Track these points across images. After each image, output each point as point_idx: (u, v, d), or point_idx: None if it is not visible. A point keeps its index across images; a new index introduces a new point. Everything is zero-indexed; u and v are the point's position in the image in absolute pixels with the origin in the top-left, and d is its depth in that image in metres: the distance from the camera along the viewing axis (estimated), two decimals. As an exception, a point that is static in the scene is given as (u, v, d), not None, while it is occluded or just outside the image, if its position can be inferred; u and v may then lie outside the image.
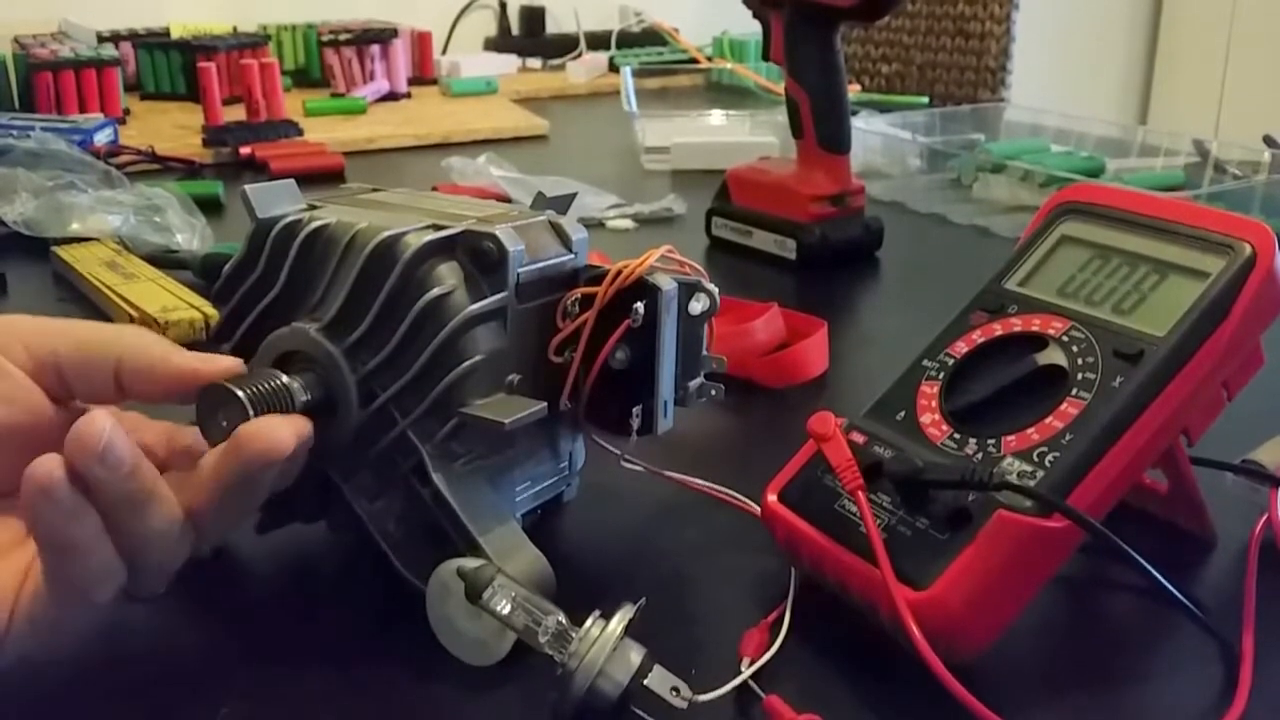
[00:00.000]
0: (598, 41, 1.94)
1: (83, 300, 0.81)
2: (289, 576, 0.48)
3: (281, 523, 0.48)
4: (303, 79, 1.65)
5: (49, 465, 0.34)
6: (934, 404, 0.45)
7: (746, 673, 0.41)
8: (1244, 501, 0.51)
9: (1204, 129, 2.64)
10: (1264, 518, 0.49)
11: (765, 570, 0.48)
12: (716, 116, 1.36)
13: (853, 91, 1.37)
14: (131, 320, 0.73)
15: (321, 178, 1.15)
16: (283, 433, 0.39)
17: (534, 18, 2.05)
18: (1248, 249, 0.43)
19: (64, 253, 0.85)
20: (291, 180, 0.47)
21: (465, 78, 1.66)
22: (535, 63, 1.95)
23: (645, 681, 0.38)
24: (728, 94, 1.65)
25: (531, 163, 1.17)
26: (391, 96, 1.57)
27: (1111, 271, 0.46)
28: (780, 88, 0.99)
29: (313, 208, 0.46)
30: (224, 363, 0.42)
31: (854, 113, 0.96)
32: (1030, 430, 0.42)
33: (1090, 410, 0.42)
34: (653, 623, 0.40)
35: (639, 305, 0.45)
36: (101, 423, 0.35)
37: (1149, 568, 0.41)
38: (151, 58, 1.53)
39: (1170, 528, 0.51)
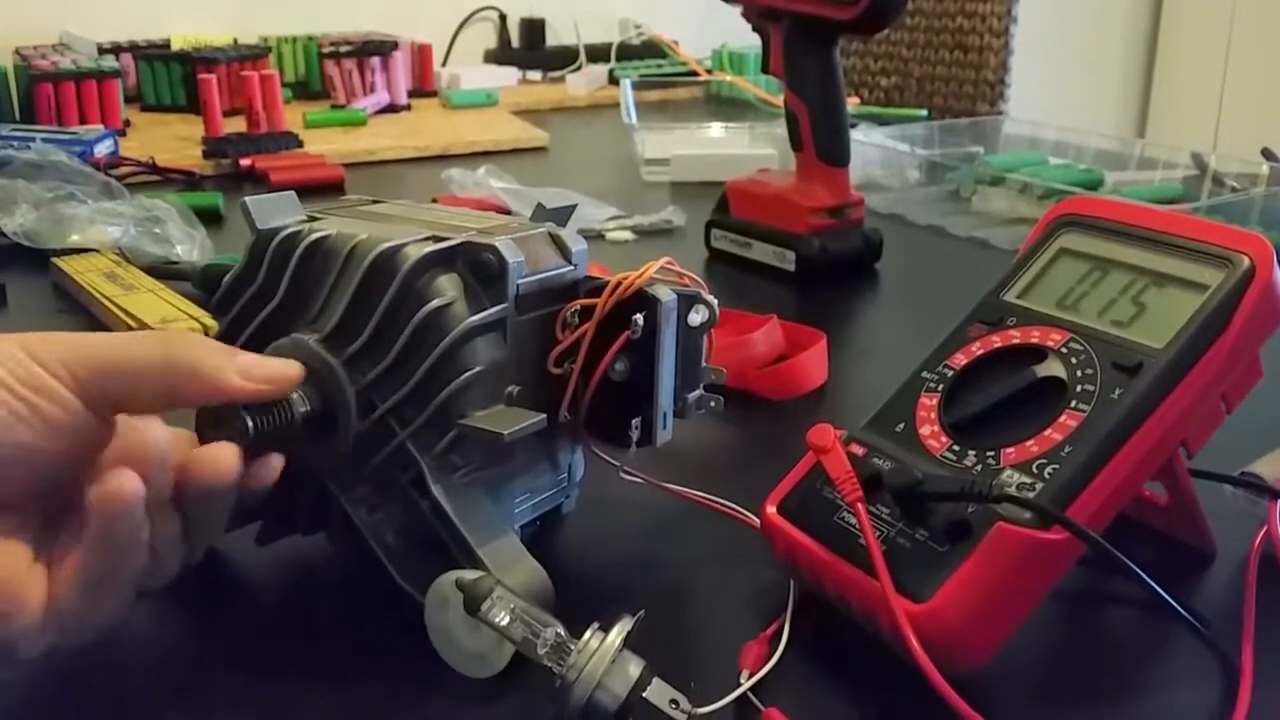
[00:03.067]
0: (598, 54, 1.94)
1: (82, 311, 0.81)
2: (288, 588, 0.48)
3: (281, 535, 0.48)
4: (303, 91, 1.65)
5: (133, 484, 0.36)
6: (933, 416, 0.45)
7: (746, 685, 0.40)
8: (1243, 514, 0.51)
9: (1202, 142, 2.64)
10: (1263, 530, 0.48)
11: (764, 582, 0.48)
12: (716, 129, 1.37)
13: (851, 104, 1.37)
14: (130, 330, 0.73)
15: (321, 189, 1.15)
16: (225, 463, 0.39)
17: (534, 30, 2.06)
18: (1246, 261, 0.43)
19: (64, 264, 0.85)
20: (291, 192, 0.47)
21: (465, 90, 1.66)
22: (535, 75, 1.95)
23: (644, 694, 0.38)
24: (727, 106, 1.65)
25: (531, 174, 1.17)
26: (391, 108, 1.57)
27: (1110, 284, 0.47)
28: (779, 100, 0.99)
29: (313, 219, 0.46)
30: (284, 373, 0.42)
31: (853, 125, 0.96)
32: (1029, 442, 0.42)
33: (1089, 422, 0.42)
34: (652, 635, 0.39)
35: (638, 317, 0.45)
36: (158, 434, 0.37)
37: (1148, 580, 0.41)
38: (152, 69, 1.53)
39: (1169, 540, 0.51)
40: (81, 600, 0.38)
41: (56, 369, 0.38)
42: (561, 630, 0.39)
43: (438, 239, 0.44)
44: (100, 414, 0.39)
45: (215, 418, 0.41)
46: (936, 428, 0.45)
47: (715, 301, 0.48)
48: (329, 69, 1.59)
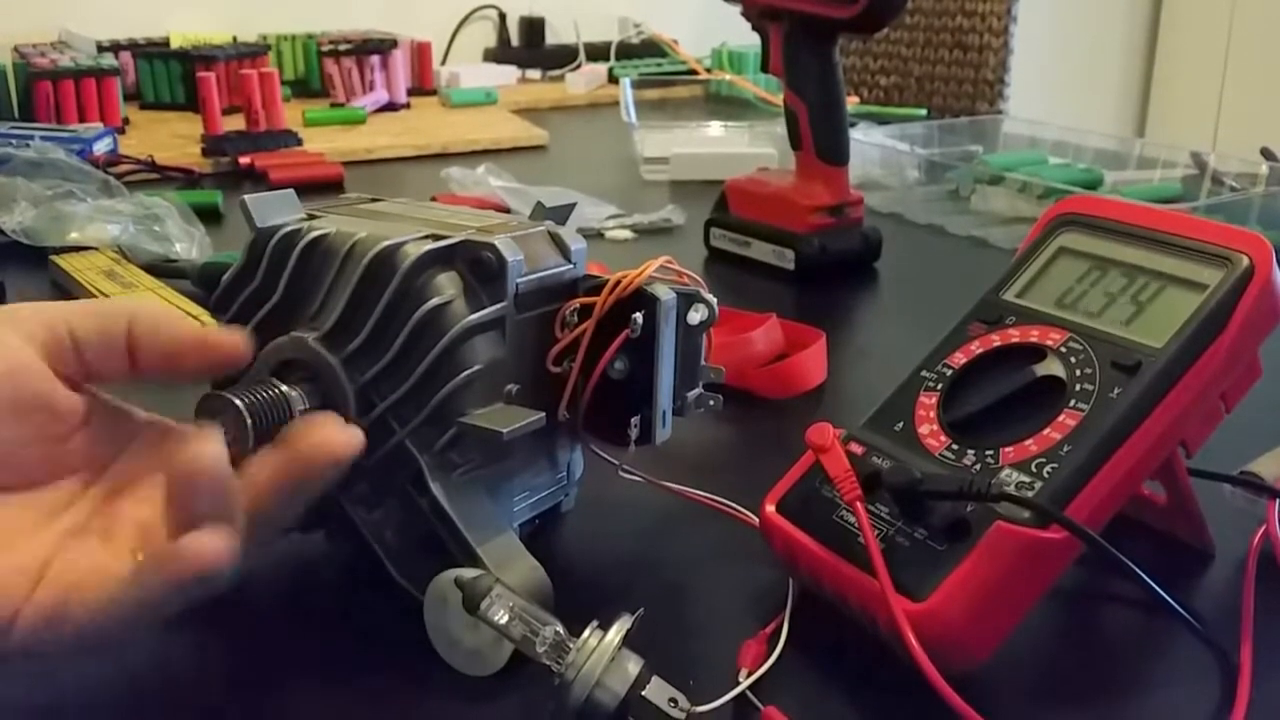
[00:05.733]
0: (597, 52, 1.94)
1: (81, 309, 0.80)
2: (286, 586, 0.48)
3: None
4: (302, 89, 1.65)
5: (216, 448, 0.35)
6: (932, 415, 0.45)
7: (744, 684, 0.41)
8: (1242, 513, 0.51)
9: (1201, 141, 2.64)
10: (1262, 529, 0.48)
11: (763, 581, 0.48)
12: (715, 127, 1.36)
13: (851, 103, 1.37)
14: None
15: (321, 188, 1.15)
16: (340, 437, 0.38)
17: (534, 29, 2.06)
18: (1245, 261, 0.43)
19: (63, 262, 0.85)
20: (290, 190, 0.47)
21: (465, 88, 1.66)
22: (535, 73, 1.95)
23: (643, 692, 0.38)
24: (726, 105, 1.65)
25: (531, 173, 1.17)
26: (391, 107, 1.57)
27: (1109, 283, 0.47)
28: (779, 99, 0.99)
29: (312, 217, 0.46)
30: (231, 337, 0.41)
31: (852, 124, 0.96)
32: (1028, 441, 0.42)
33: (1088, 421, 0.42)
34: (650, 633, 0.39)
35: (637, 315, 0.45)
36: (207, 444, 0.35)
37: (1147, 579, 0.41)
38: (151, 67, 1.53)
39: (1168, 539, 0.51)
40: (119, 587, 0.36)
41: (35, 331, 0.39)
42: (560, 628, 0.39)
43: (437, 237, 0.44)
44: (78, 387, 0.40)
45: (213, 414, 0.40)
46: (935, 427, 0.45)
47: (714, 300, 0.48)
48: (328, 67, 1.59)
